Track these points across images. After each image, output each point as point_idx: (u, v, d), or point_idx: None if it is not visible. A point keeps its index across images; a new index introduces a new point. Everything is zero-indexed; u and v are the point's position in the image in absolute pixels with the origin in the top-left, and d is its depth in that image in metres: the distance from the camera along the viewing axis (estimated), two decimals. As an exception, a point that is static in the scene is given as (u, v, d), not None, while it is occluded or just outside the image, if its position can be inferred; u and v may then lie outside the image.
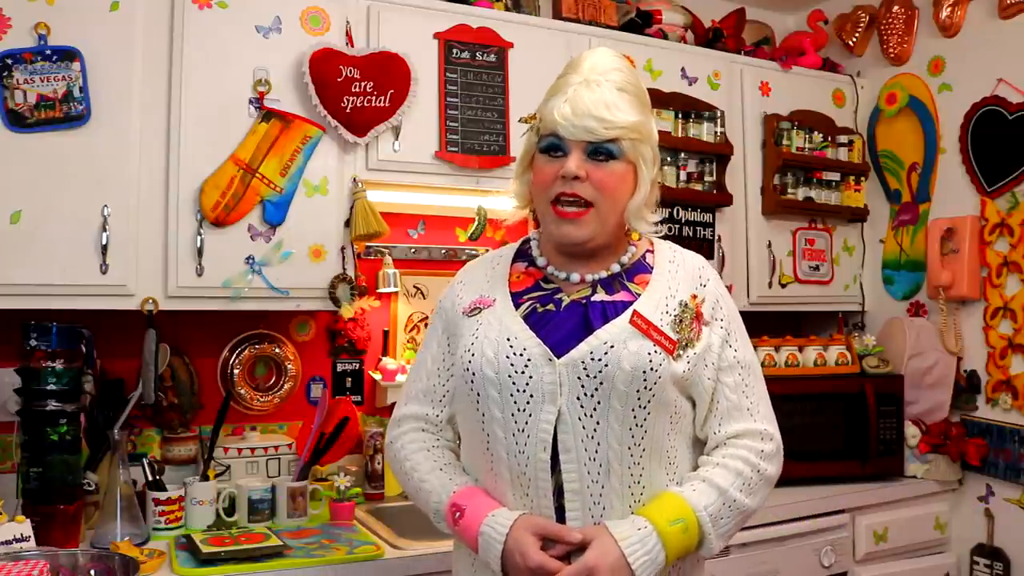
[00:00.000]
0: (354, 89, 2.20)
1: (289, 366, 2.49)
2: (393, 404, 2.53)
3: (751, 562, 2.39)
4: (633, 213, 1.44)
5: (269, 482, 2.25)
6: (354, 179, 2.26)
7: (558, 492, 1.36)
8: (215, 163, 2.09)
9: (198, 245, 2.07)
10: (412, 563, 1.97)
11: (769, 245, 2.94)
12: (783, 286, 2.97)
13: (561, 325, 1.40)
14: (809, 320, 3.31)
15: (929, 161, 2.95)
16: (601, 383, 1.33)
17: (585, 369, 1.34)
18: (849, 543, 2.60)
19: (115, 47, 1.99)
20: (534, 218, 1.52)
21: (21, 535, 1.66)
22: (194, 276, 2.07)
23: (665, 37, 2.81)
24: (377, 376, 2.60)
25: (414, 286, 2.69)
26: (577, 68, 1.41)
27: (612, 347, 1.34)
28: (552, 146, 1.39)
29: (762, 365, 2.65)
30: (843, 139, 3.07)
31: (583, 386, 1.34)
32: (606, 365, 1.33)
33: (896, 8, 3.04)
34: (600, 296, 1.43)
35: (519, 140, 1.53)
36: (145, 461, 2.15)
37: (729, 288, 2.77)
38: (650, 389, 1.34)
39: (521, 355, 1.36)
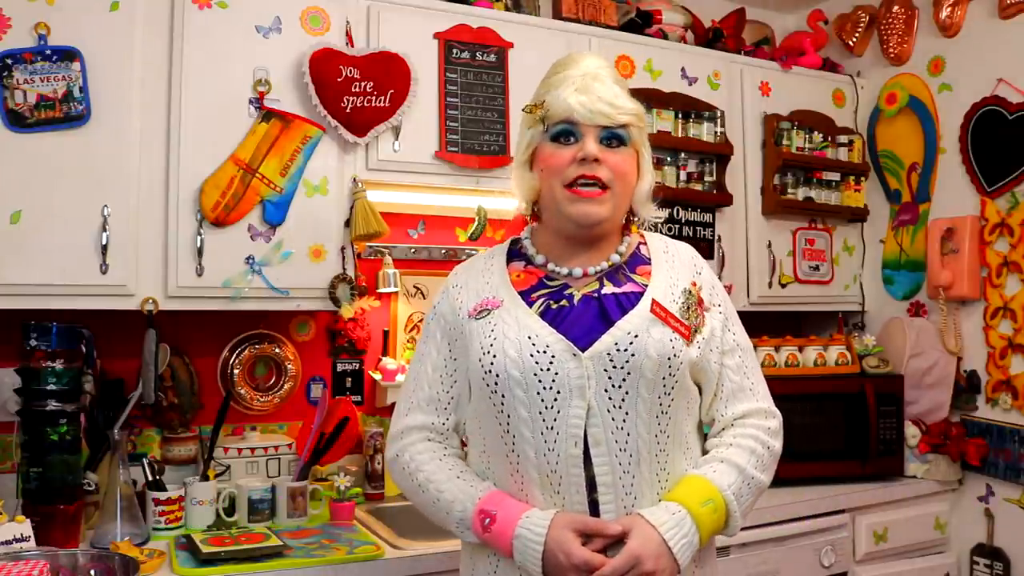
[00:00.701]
0: (354, 89, 2.20)
1: (289, 366, 2.49)
2: (393, 404, 2.55)
3: (751, 562, 2.38)
4: (641, 199, 1.48)
5: (269, 482, 2.24)
6: (354, 179, 2.26)
7: (589, 486, 1.36)
8: (215, 163, 2.09)
9: (198, 245, 2.07)
10: (412, 563, 1.97)
11: (769, 245, 2.94)
12: (783, 286, 2.97)
13: (579, 319, 1.40)
14: (809, 320, 3.31)
15: (929, 161, 2.95)
16: (629, 373, 1.35)
17: (611, 360, 1.35)
18: (849, 543, 2.60)
19: (115, 47, 1.99)
20: (532, 213, 1.52)
21: (21, 535, 1.66)
22: (194, 276, 2.07)
23: (665, 37, 2.81)
24: (377, 376, 2.60)
25: (414, 286, 2.69)
26: (573, 65, 1.43)
27: (637, 336, 1.36)
28: (564, 132, 1.41)
29: (762, 365, 2.68)
30: (843, 139, 3.07)
31: (610, 378, 1.35)
32: (633, 355, 1.35)
33: (896, 8, 3.03)
34: (610, 288, 1.44)
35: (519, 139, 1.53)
36: (145, 461, 2.15)
37: (729, 288, 2.82)
38: (673, 375, 1.37)
39: (544, 352, 1.36)
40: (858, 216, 3.12)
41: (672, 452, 1.40)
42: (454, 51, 2.39)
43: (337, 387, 2.59)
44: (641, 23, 2.79)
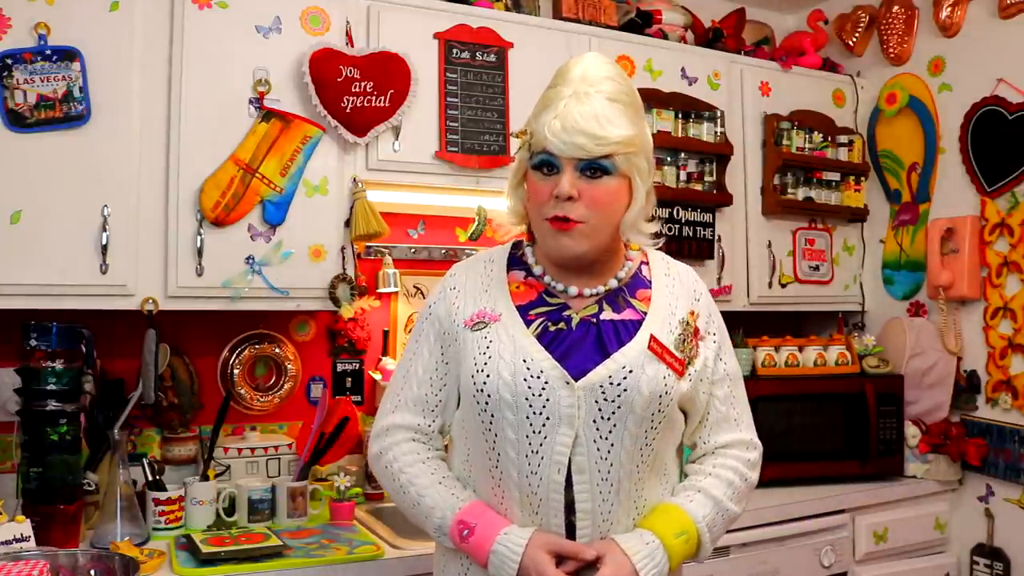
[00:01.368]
0: (354, 89, 2.20)
1: (289, 366, 2.49)
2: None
3: (751, 562, 2.39)
4: (628, 226, 1.41)
5: (269, 482, 2.24)
6: (354, 179, 2.26)
7: (568, 509, 1.36)
8: (215, 163, 2.09)
9: (198, 245, 2.07)
10: (412, 563, 1.97)
11: (769, 245, 2.94)
12: (783, 286, 2.97)
13: (575, 346, 1.38)
14: (809, 320, 3.31)
15: (929, 161, 2.95)
16: (619, 407, 1.34)
17: (603, 392, 1.34)
18: (849, 543, 2.60)
19: (115, 47, 1.99)
20: (529, 231, 1.50)
21: (21, 535, 1.66)
22: (194, 276, 2.07)
23: (665, 37, 2.81)
24: (377, 376, 2.60)
25: (414, 286, 2.69)
26: (567, 79, 1.35)
27: (631, 371, 1.35)
28: (544, 163, 1.36)
29: (762, 365, 2.71)
30: (843, 139, 3.07)
31: (600, 409, 1.34)
32: (625, 390, 1.34)
33: (896, 8, 3.04)
34: (608, 314, 1.41)
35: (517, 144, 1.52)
36: (145, 461, 2.15)
37: (729, 288, 2.82)
38: (662, 411, 1.37)
39: (538, 377, 1.34)
40: (858, 216, 3.12)
41: (649, 479, 1.41)
42: (454, 51, 2.39)
43: (337, 387, 2.59)
44: (641, 23, 2.79)
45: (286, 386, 2.48)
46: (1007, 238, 2.70)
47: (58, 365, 1.90)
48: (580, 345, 1.38)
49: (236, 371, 2.42)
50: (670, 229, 2.68)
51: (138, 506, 2.04)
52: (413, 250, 2.69)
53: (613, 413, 1.34)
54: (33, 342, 1.89)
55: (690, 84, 2.79)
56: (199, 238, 2.07)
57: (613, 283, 1.45)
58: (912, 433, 2.81)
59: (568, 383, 1.34)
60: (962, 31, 2.85)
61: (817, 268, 3.06)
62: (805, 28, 3.21)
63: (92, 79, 1.95)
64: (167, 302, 2.06)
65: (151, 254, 2.05)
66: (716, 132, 2.80)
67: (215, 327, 2.41)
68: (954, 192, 2.86)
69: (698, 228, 2.77)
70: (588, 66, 1.36)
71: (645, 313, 1.42)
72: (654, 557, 1.34)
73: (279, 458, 2.38)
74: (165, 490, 2.11)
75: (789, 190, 2.95)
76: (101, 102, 1.97)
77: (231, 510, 2.19)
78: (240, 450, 2.33)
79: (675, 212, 2.72)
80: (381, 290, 2.56)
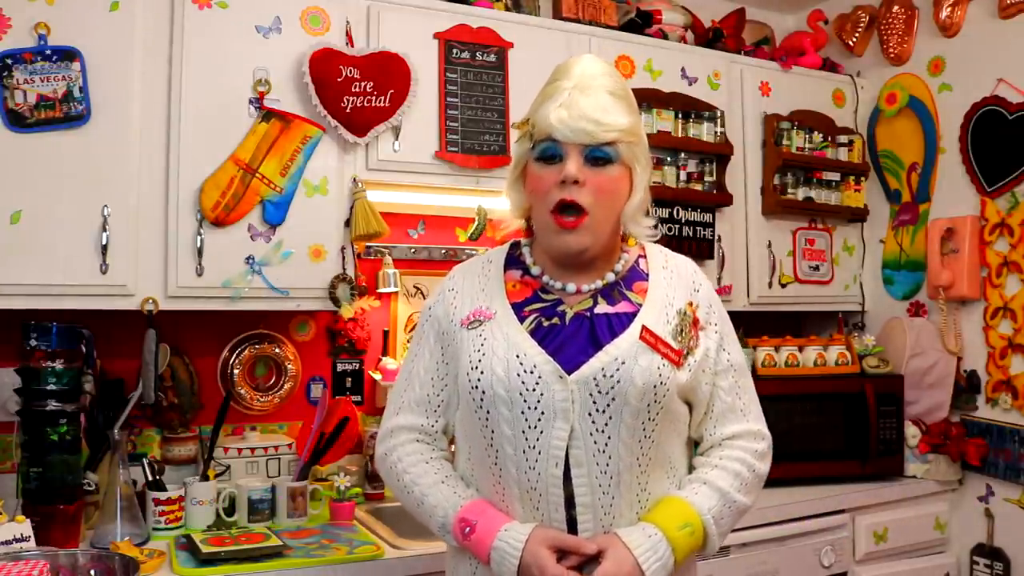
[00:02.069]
0: (354, 89, 2.20)
1: (289, 366, 2.49)
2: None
3: (751, 562, 2.39)
4: (629, 217, 1.44)
5: (269, 482, 2.25)
6: (354, 179, 2.26)
7: (568, 503, 1.36)
8: (215, 163, 2.09)
9: (198, 245, 2.07)
10: (412, 563, 1.97)
11: (769, 245, 2.94)
12: (783, 286, 2.97)
13: (569, 340, 1.39)
14: (809, 320, 3.31)
15: (929, 161, 2.95)
16: (613, 399, 1.34)
17: (597, 385, 1.34)
18: (849, 543, 2.60)
19: (115, 47, 1.99)
20: (527, 228, 1.51)
21: (21, 535, 1.66)
22: (194, 276, 2.07)
23: (665, 37, 2.81)
24: (377, 376, 2.60)
25: (414, 286, 2.69)
26: (568, 74, 1.39)
27: (624, 363, 1.35)
28: (548, 151, 1.37)
29: (762, 365, 2.71)
30: (843, 139, 3.07)
31: (595, 402, 1.34)
32: (618, 381, 1.34)
33: (896, 8, 3.04)
34: (603, 308, 1.42)
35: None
36: (145, 461, 2.15)
37: (729, 288, 2.82)
38: (659, 402, 1.36)
39: (532, 372, 1.35)
40: (858, 216, 3.12)
41: (654, 473, 1.40)
42: (454, 51, 2.39)
43: (337, 387, 2.59)
44: (641, 23, 2.79)
45: (286, 386, 2.48)
46: (1007, 238, 2.70)
47: (58, 365, 1.90)
48: (573, 339, 1.39)
49: (236, 371, 2.42)
50: (670, 229, 2.68)
51: (138, 506, 2.04)
52: (413, 250, 2.69)
53: (608, 405, 1.34)
54: (33, 342, 1.89)
55: (690, 84, 2.79)
56: (199, 238, 2.07)
57: (610, 277, 1.45)
58: (912, 433, 2.81)
59: (561, 377, 1.34)
60: (962, 31, 2.85)
61: (817, 268, 3.06)
62: (805, 28, 3.21)
63: (92, 79, 1.95)
64: (167, 302, 2.06)
65: (151, 254, 2.05)
66: (716, 132, 2.80)
67: (215, 327, 2.41)
68: (954, 192, 2.86)
69: (698, 228, 2.77)
70: (587, 64, 1.41)
71: (640, 305, 1.42)
72: (657, 550, 1.33)
73: (279, 458, 2.38)
74: (165, 490, 2.11)
75: (789, 190, 2.95)
76: (101, 102, 1.97)
77: (231, 510, 2.19)
78: (240, 450, 2.33)
79: (675, 212, 2.72)
80: (381, 290, 2.56)
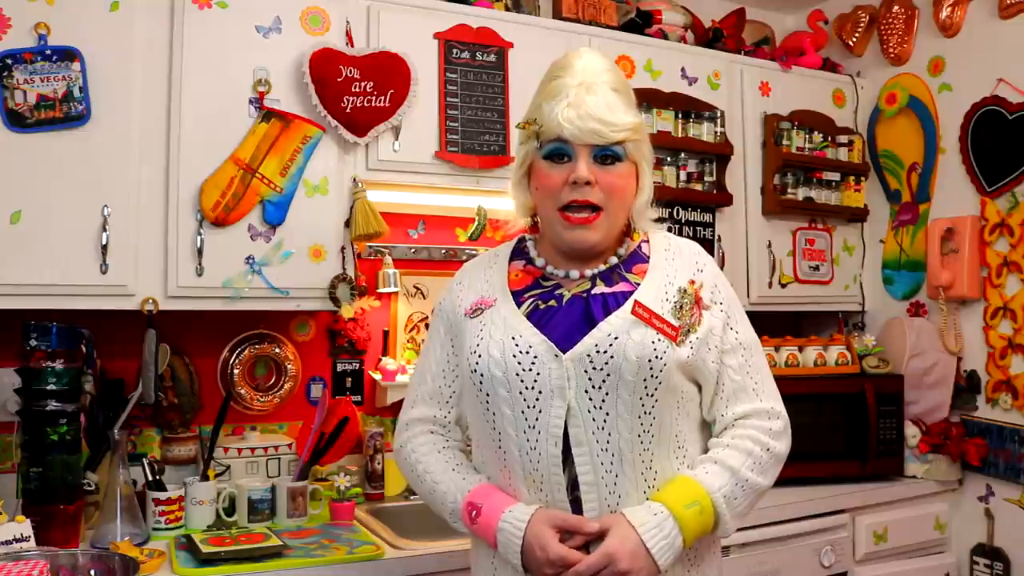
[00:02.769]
0: (354, 89, 2.20)
1: (289, 366, 2.49)
2: (393, 404, 2.55)
3: (751, 562, 2.39)
4: (639, 213, 1.47)
5: (269, 482, 2.25)
6: (354, 179, 2.26)
7: (572, 485, 1.36)
8: (215, 163, 2.09)
9: (198, 245, 2.07)
10: (412, 563, 1.97)
11: (769, 245, 2.94)
12: (783, 286, 2.97)
13: (564, 320, 1.40)
14: (809, 320, 3.31)
15: (929, 161, 2.95)
16: (608, 375, 1.34)
17: (591, 362, 1.35)
18: (849, 543, 2.60)
19: (115, 47, 1.99)
20: (532, 225, 1.53)
21: (21, 535, 1.66)
22: (194, 276, 2.07)
23: (665, 37, 2.81)
24: (377, 376, 2.60)
25: (414, 286, 2.69)
26: (570, 71, 1.39)
27: (616, 338, 1.35)
28: (556, 151, 1.39)
29: (762, 365, 2.70)
30: (843, 139, 3.07)
31: (591, 379, 1.35)
32: (612, 357, 1.34)
33: (896, 8, 3.04)
34: (600, 289, 1.43)
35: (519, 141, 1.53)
36: (145, 461, 2.15)
37: (729, 287, 2.82)
38: (656, 377, 1.35)
39: (527, 352, 1.37)
40: (858, 216, 3.12)
41: (659, 452, 1.39)
42: (454, 51, 2.39)
43: (337, 387, 2.59)
44: (641, 23, 2.79)
45: (286, 386, 2.48)
46: (1007, 238, 2.70)
47: (58, 365, 1.90)
48: (569, 319, 1.40)
49: (236, 371, 2.41)
50: (670, 229, 2.68)
51: (138, 506, 2.04)
52: (413, 250, 2.69)
53: (603, 382, 1.34)
54: (33, 342, 1.89)
55: (690, 84, 2.79)
56: (199, 238, 2.07)
57: (613, 260, 1.46)
58: (912, 433, 2.81)
59: (556, 356, 1.36)
60: (962, 31, 2.85)
61: (817, 268, 3.06)
62: (805, 28, 3.21)
63: (92, 79, 1.95)
64: (167, 302, 2.06)
65: (151, 254, 2.05)
66: (716, 132, 2.80)
67: (215, 327, 2.41)
68: (954, 192, 2.86)
69: (698, 228, 2.77)
70: (588, 59, 1.42)
71: (638, 284, 1.43)
72: (663, 528, 1.32)
73: (279, 458, 2.38)
74: (165, 490, 2.11)
75: (789, 190, 2.95)
76: (101, 102, 1.97)
77: (231, 510, 2.19)
78: (240, 450, 2.33)
79: (675, 212, 2.72)
80: (381, 290, 2.56)
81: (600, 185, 1.38)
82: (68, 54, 1.92)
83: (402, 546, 2.04)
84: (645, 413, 1.36)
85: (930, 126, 2.94)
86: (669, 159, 2.72)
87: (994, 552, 2.70)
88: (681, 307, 1.40)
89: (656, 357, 1.35)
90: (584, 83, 1.37)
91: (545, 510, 1.36)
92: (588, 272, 1.45)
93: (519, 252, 1.54)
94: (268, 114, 2.14)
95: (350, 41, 2.25)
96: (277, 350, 2.47)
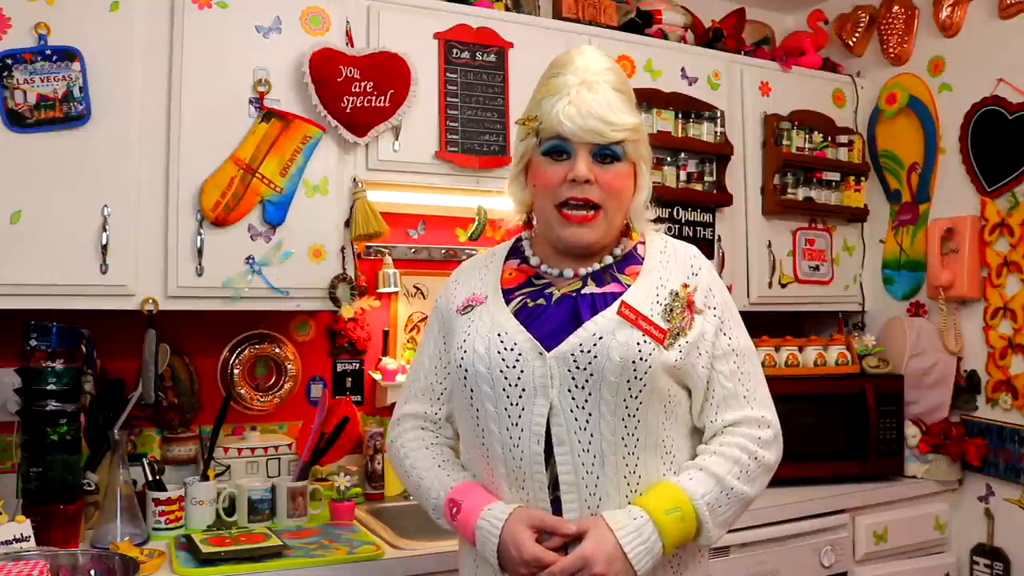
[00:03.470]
0: (354, 89, 2.20)
1: (289, 366, 2.49)
2: (393, 404, 2.55)
3: (751, 562, 2.38)
4: (636, 213, 1.46)
5: (269, 482, 2.25)
6: (354, 179, 2.26)
7: (554, 485, 1.36)
8: (215, 163, 2.09)
9: (198, 245, 2.07)
10: (412, 563, 1.97)
11: (769, 245, 2.94)
12: (783, 286, 2.97)
13: (551, 318, 1.40)
14: (809, 320, 3.31)
15: (929, 161, 2.95)
16: (591, 375, 1.34)
17: (575, 361, 1.34)
18: (849, 543, 2.60)
19: (115, 47, 1.99)
20: (526, 222, 1.53)
21: (21, 535, 1.66)
22: (194, 276, 2.07)
23: (665, 37, 2.81)
24: (377, 376, 2.60)
25: (414, 286, 2.69)
26: (571, 68, 1.38)
27: (601, 338, 1.34)
28: (556, 148, 1.38)
29: (762, 365, 2.69)
30: (843, 139, 3.07)
31: (574, 378, 1.34)
32: (595, 356, 1.33)
33: (896, 8, 3.04)
34: (590, 288, 1.43)
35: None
36: (145, 461, 2.15)
37: (729, 288, 2.79)
38: (640, 379, 1.34)
39: (511, 349, 1.37)
40: (858, 216, 3.12)
41: (644, 456, 1.37)
42: (454, 51, 2.39)
43: (337, 387, 2.59)
44: (641, 23, 2.79)
45: (286, 386, 2.48)
46: (1007, 238, 2.70)
47: (58, 365, 1.90)
48: (556, 318, 1.40)
49: (236, 371, 2.42)
50: (670, 229, 2.68)
51: (138, 506, 2.04)
52: (413, 250, 2.69)
53: (587, 381, 1.34)
54: (33, 342, 1.89)
55: (690, 84, 2.79)
56: (199, 238, 2.07)
57: (608, 259, 1.46)
58: (912, 433, 2.81)
59: (541, 354, 1.36)
60: (962, 31, 2.85)
61: (817, 268, 3.06)
62: (805, 28, 3.21)
63: (92, 79, 1.95)
64: (167, 302, 2.06)
65: (151, 254, 2.05)
66: (716, 132, 2.80)
67: (215, 327, 2.41)
68: (954, 192, 2.86)
69: (698, 228, 2.77)
70: (589, 57, 1.41)
71: (629, 286, 1.42)
72: (642, 533, 1.31)
73: (279, 458, 2.38)
74: (165, 490, 2.11)
75: (789, 190, 2.95)
76: (101, 102, 1.97)
77: (231, 510, 2.19)
78: (240, 450, 2.33)
79: (675, 212, 2.72)
80: (381, 290, 2.56)
81: (599, 184, 1.38)
82: (68, 54, 1.93)
83: (402, 546, 2.04)
84: (629, 415, 1.35)
85: (930, 126, 2.94)
86: (669, 159, 2.72)
87: (994, 552, 2.70)
88: (671, 310, 1.39)
89: (640, 359, 1.33)
90: (586, 81, 1.36)
91: (524, 509, 1.36)
92: (582, 271, 1.45)
93: (515, 251, 1.55)
94: (268, 114, 2.14)
95: (350, 41, 2.25)
96: (277, 350, 2.47)
